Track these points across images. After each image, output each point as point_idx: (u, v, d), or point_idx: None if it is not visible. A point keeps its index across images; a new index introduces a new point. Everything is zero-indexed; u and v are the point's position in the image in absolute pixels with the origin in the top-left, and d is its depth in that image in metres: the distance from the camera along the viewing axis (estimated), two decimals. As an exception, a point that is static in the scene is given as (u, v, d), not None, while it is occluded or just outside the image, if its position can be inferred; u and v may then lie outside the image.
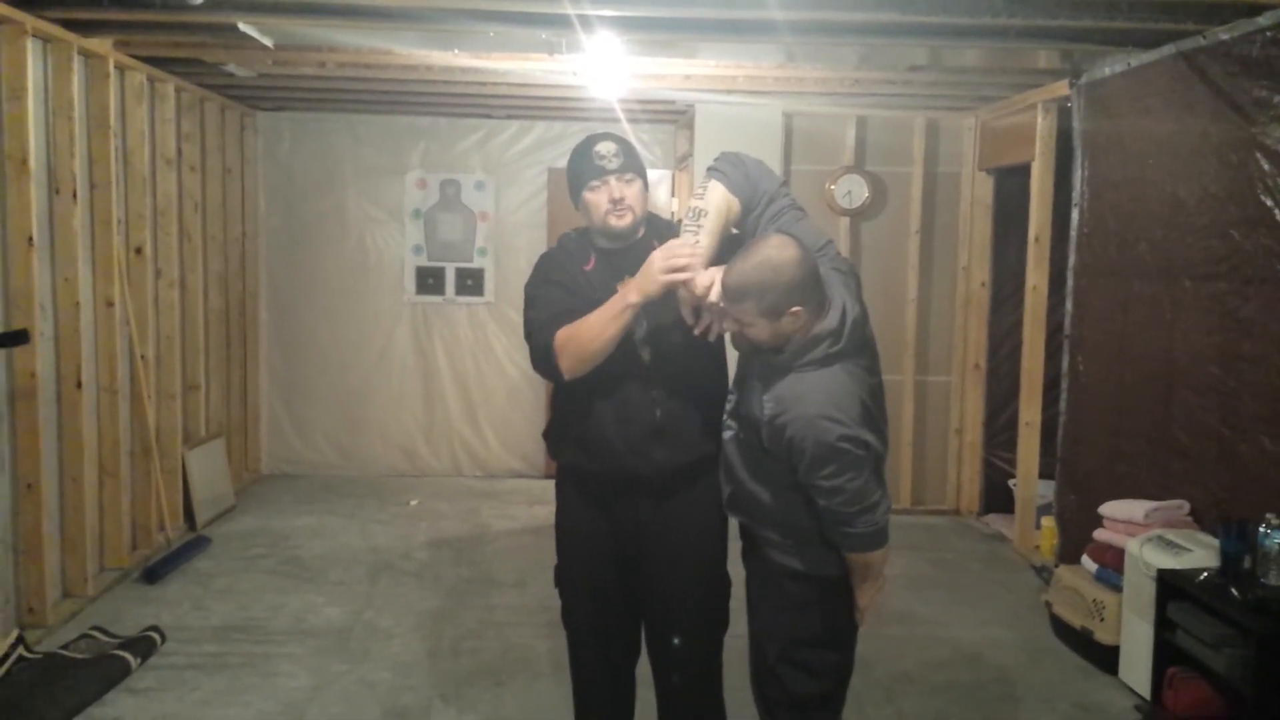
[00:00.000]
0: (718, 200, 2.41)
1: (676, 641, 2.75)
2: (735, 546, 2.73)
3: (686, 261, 2.34)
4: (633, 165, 2.64)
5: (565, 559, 2.86)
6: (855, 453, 2.25)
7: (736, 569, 2.73)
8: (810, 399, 2.26)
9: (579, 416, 2.69)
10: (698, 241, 2.36)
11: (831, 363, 2.29)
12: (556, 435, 2.80)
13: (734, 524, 2.68)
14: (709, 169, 2.49)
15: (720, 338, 2.53)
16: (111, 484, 4.84)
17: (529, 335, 2.67)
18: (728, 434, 2.53)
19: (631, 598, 2.81)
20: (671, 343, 2.59)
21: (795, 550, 2.44)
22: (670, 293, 2.41)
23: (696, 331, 2.44)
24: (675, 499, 2.69)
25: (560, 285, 2.66)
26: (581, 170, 2.64)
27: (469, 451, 7.16)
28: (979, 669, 4.12)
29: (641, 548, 2.73)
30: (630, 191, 2.61)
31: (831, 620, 2.49)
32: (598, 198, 2.61)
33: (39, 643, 4.08)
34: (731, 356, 2.61)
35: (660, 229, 2.70)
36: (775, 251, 2.26)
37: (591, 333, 2.49)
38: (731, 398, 2.54)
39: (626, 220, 2.61)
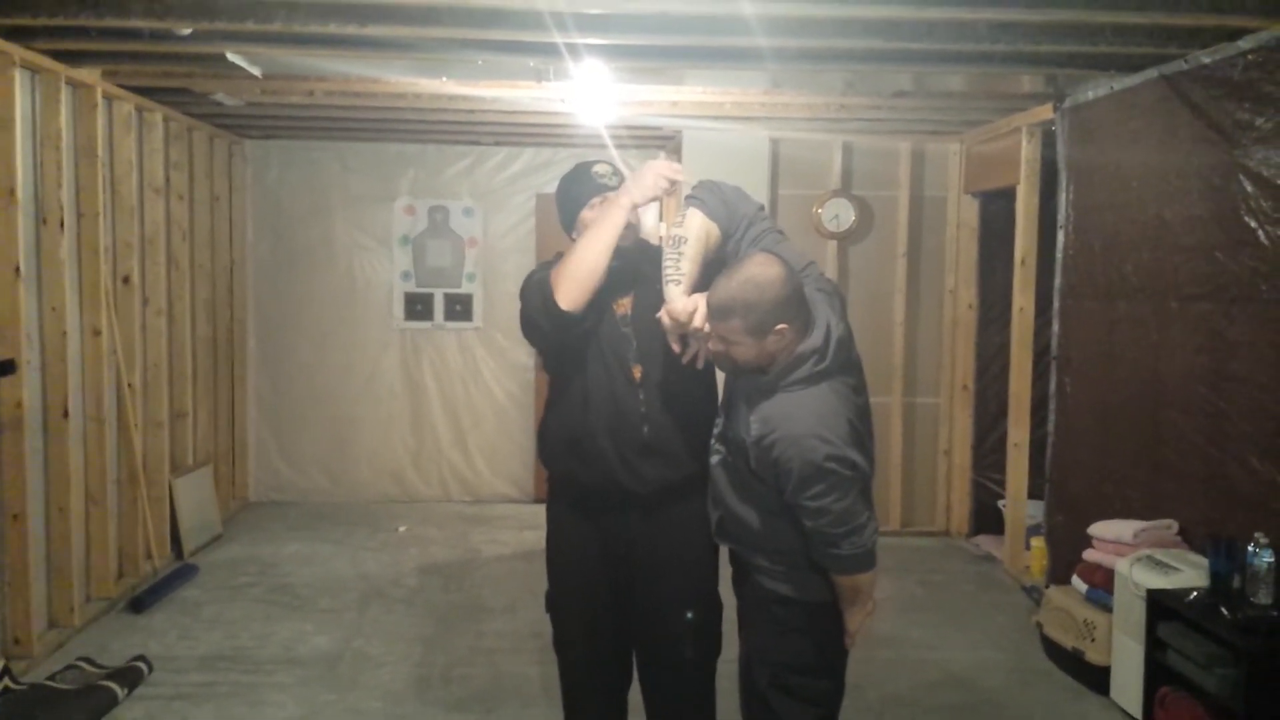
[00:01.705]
0: (697, 227, 2.43)
1: (686, 662, 2.75)
2: (727, 571, 2.73)
3: (675, 175, 2.45)
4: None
5: (557, 584, 2.85)
6: (842, 473, 2.25)
7: (729, 592, 2.73)
8: (797, 418, 2.26)
9: (572, 421, 2.68)
10: (679, 267, 2.38)
11: (818, 381, 2.30)
12: (550, 439, 2.78)
13: (725, 550, 2.68)
14: (687, 197, 2.50)
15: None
16: (98, 513, 4.81)
17: (522, 293, 2.64)
18: (715, 458, 2.53)
19: (624, 623, 2.80)
20: (662, 363, 2.60)
21: (784, 575, 2.44)
22: (655, 309, 2.45)
23: (684, 360, 2.46)
24: (666, 519, 2.68)
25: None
26: (580, 191, 2.67)
27: (458, 477, 7.14)
28: (970, 691, 4.11)
29: (633, 570, 2.73)
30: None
31: (821, 646, 2.48)
32: (594, 216, 2.62)
33: (25, 674, 4.04)
34: (722, 379, 2.62)
35: (652, 255, 2.69)
36: (759, 269, 2.28)
37: (588, 243, 2.50)
38: (719, 421, 2.54)
39: (628, 240, 2.61)
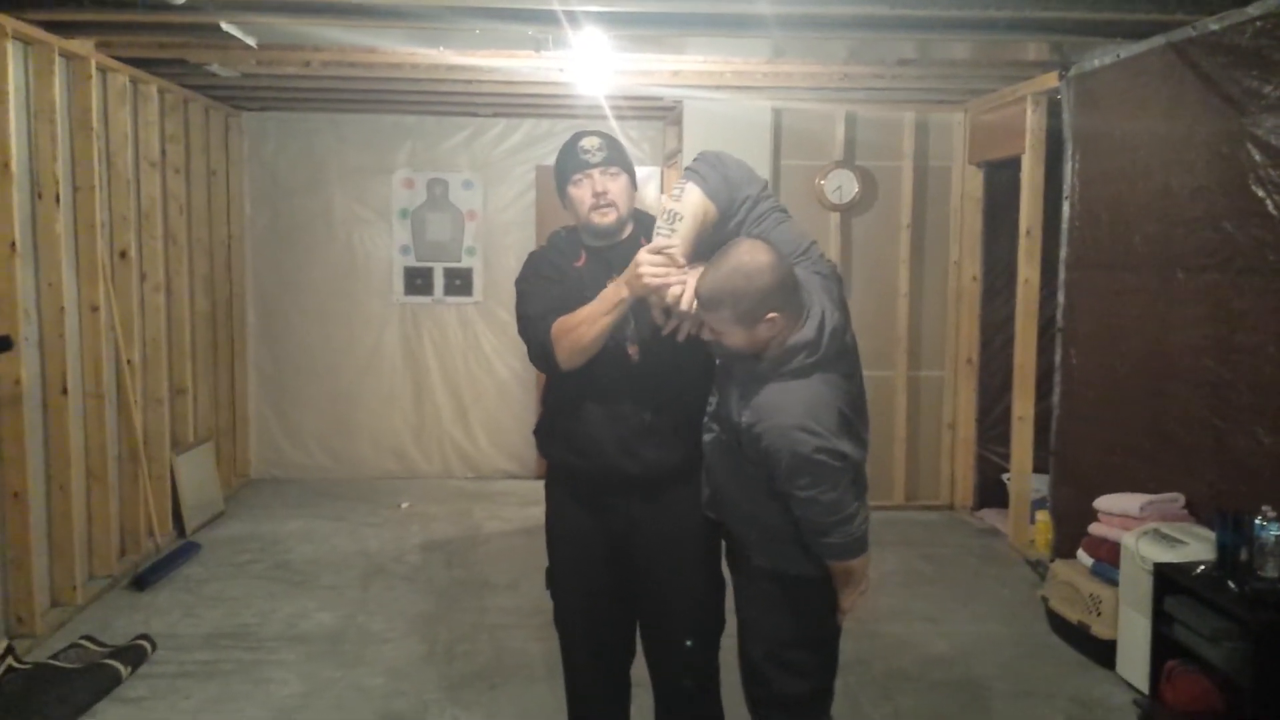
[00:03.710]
0: (694, 204, 2.33)
1: (690, 644, 2.73)
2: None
3: (664, 277, 2.29)
4: (617, 160, 2.61)
5: (557, 561, 2.83)
6: (831, 464, 2.23)
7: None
8: (787, 410, 2.24)
9: (568, 414, 2.67)
10: (672, 248, 2.30)
11: (809, 373, 2.27)
12: (546, 432, 2.77)
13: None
14: (687, 169, 2.42)
15: None
16: (99, 490, 4.80)
17: (523, 330, 2.65)
18: (708, 436, 2.52)
19: (625, 599, 2.78)
20: (660, 342, 2.54)
21: (775, 552, 2.43)
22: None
23: (664, 332, 2.42)
24: (667, 498, 2.66)
25: (552, 280, 2.64)
26: (566, 165, 2.63)
27: (460, 453, 7.12)
28: (976, 665, 4.10)
29: (634, 548, 2.71)
30: (614, 186, 2.58)
31: (814, 620, 2.48)
32: (581, 192, 2.59)
33: (29, 653, 4.04)
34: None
35: (649, 227, 2.63)
36: (748, 257, 2.23)
37: (586, 323, 2.46)
38: (712, 400, 2.52)
39: (610, 218, 2.58)
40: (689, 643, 2.73)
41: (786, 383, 2.26)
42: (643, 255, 2.32)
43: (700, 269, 2.31)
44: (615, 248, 2.62)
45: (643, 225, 2.67)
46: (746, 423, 2.28)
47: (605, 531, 2.72)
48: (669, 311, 2.38)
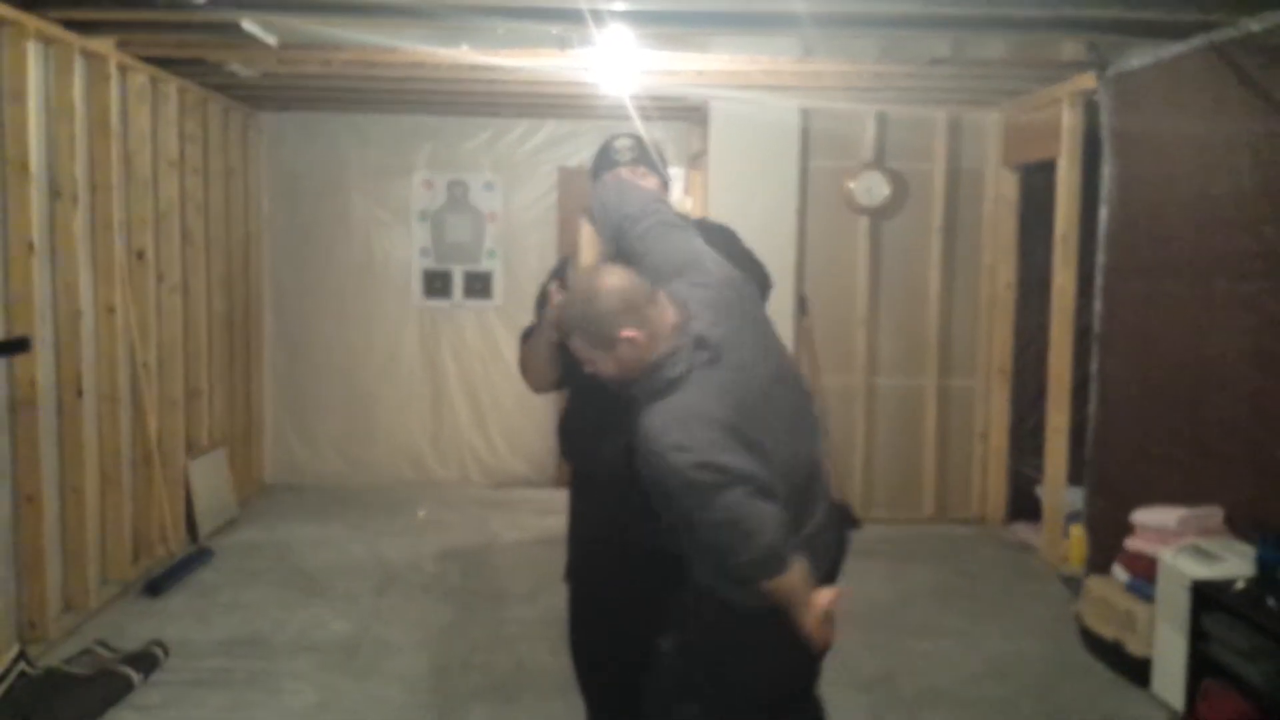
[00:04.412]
0: (585, 236, 2.54)
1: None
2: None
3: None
4: (646, 160, 2.71)
5: (575, 559, 2.91)
6: (712, 479, 2.08)
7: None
8: (658, 433, 2.13)
9: (592, 418, 2.73)
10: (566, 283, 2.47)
11: (679, 386, 2.17)
12: (565, 437, 2.87)
13: None
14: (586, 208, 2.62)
15: None
16: (113, 494, 4.75)
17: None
18: None
19: (636, 604, 2.74)
20: None
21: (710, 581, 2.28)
22: None
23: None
24: None
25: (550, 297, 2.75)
26: (598, 165, 2.73)
27: (478, 460, 7.05)
28: (1008, 683, 4.01)
29: (652, 555, 2.63)
30: (645, 185, 2.64)
31: (723, 662, 2.30)
32: None
33: (41, 657, 3.99)
34: None
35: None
36: (589, 281, 2.29)
37: (529, 356, 2.76)
38: None
39: None
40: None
41: (656, 404, 2.18)
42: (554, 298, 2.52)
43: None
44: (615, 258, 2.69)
45: None
46: (639, 453, 2.18)
47: (624, 536, 2.71)
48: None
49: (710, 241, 2.51)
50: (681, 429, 2.12)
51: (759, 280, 2.77)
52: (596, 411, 2.64)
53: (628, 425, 2.33)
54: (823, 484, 2.36)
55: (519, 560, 5.45)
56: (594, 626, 2.87)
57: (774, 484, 2.15)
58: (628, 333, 2.20)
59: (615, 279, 2.26)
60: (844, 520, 2.48)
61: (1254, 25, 3.71)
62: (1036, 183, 5.87)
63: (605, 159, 2.71)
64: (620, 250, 2.44)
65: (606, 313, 2.21)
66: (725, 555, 2.13)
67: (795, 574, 2.15)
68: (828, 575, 2.34)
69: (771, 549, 2.10)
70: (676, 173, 6.73)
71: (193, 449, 5.69)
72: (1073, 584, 4.86)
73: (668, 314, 2.24)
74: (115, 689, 3.73)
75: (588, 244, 2.47)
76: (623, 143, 2.72)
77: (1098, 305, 4.81)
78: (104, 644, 4.11)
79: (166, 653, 4.07)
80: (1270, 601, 3.25)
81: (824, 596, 2.20)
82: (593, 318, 2.23)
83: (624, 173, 2.64)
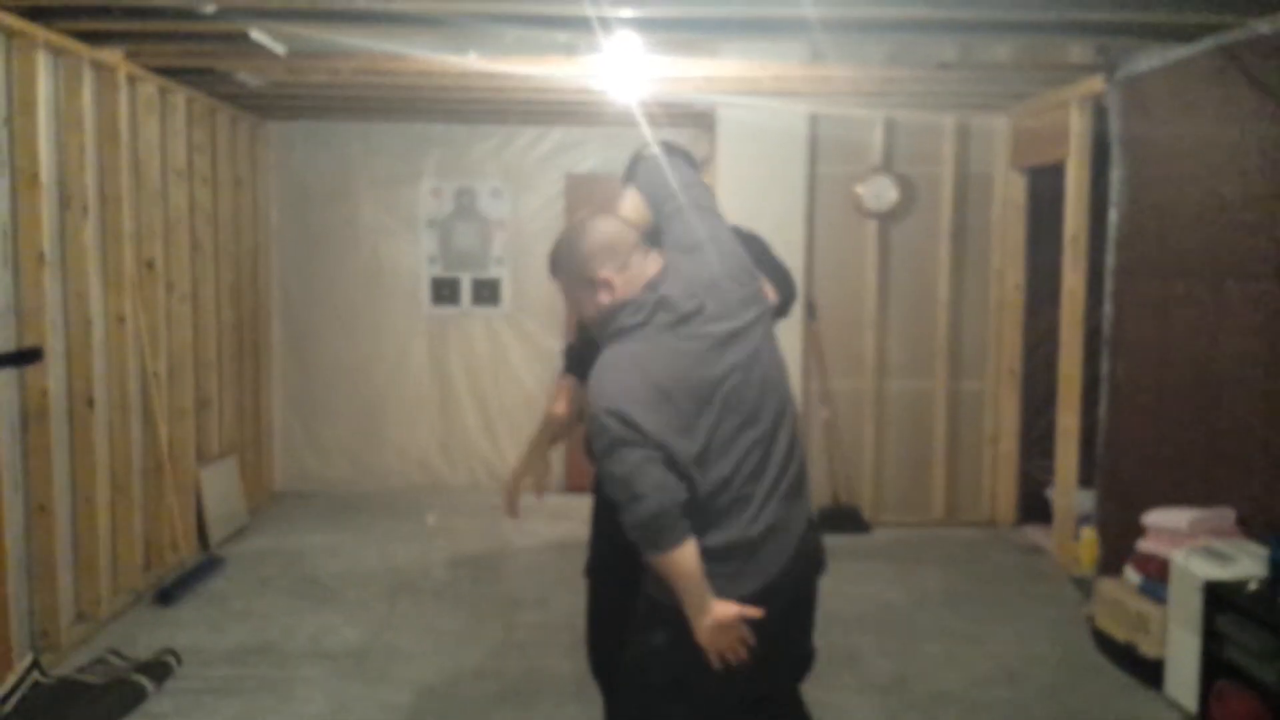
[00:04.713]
0: (628, 204, 2.51)
1: None
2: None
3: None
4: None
5: (595, 551, 2.98)
6: (618, 430, 2.11)
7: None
8: (598, 371, 2.21)
9: None
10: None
11: (632, 334, 2.23)
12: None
13: None
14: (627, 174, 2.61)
15: None
16: (124, 503, 4.75)
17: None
18: None
19: None
20: None
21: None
22: None
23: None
24: None
25: None
26: (627, 174, 2.73)
27: (487, 466, 7.05)
28: (1021, 686, 4.00)
29: None
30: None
31: (676, 662, 2.27)
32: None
33: (54, 666, 4.00)
34: None
35: None
36: (579, 222, 2.36)
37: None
38: None
39: None
40: None
41: (612, 345, 2.25)
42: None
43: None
44: None
45: None
46: None
47: None
48: None
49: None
50: (614, 374, 2.18)
51: (785, 290, 2.83)
52: None
53: None
54: (787, 495, 2.30)
55: (529, 565, 5.45)
56: (611, 623, 2.87)
57: (690, 465, 2.15)
58: (605, 274, 2.26)
59: (604, 223, 2.34)
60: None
61: (1263, 27, 3.70)
62: (1044, 186, 5.87)
63: (634, 159, 2.75)
64: (655, 221, 2.48)
65: (588, 252, 2.28)
66: (619, 512, 2.16)
67: (683, 560, 2.12)
68: (793, 589, 2.32)
69: (653, 521, 2.09)
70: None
71: (203, 457, 5.70)
72: (1084, 586, 4.85)
73: (650, 269, 2.29)
74: (128, 697, 3.74)
75: (631, 209, 2.48)
76: (650, 151, 2.76)
77: (1107, 307, 4.79)
78: (117, 653, 4.12)
79: (179, 661, 4.07)
80: (1284, 602, 3.24)
81: (726, 609, 2.16)
82: (576, 255, 2.30)
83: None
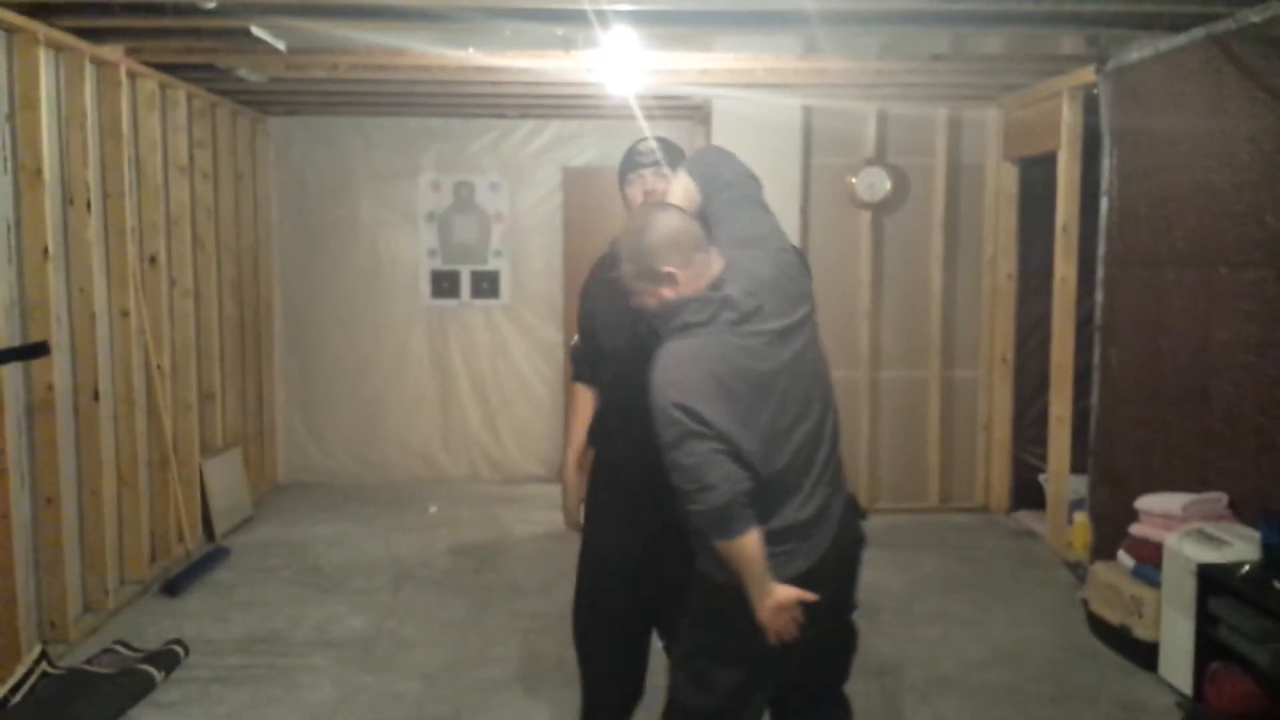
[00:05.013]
0: (679, 187, 2.53)
1: None
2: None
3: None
4: (670, 162, 2.78)
5: (588, 535, 3.01)
6: (687, 424, 2.19)
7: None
8: (663, 365, 2.26)
9: (606, 409, 2.92)
10: None
11: (695, 332, 2.28)
12: (593, 427, 2.98)
13: None
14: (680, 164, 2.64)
15: None
16: (130, 496, 4.80)
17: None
18: None
19: (643, 582, 2.89)
20: None
21: (701, 552, 2.38)
22: None
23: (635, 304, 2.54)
24: None
25: (590, 299, 2.96)
26: (623, 166, 2.86)
27: (487, 457, 7.10)
28: (1016, 669, 4.05)
29: (661, 536, 2.77)
30: (663, 185, 2.72)
31: (728, 633, 2.38)
32: (634, 191, 2.81)
33: (62, 658, 4.04)
34: None
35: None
36: (645, 215, 2.37)
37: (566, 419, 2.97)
38: None
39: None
40: None
41: (674, 339, 2.30)
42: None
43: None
44: None
45: None
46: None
47: (633, 516, 2.86)
48: None
49: None
50: (679, 368, 2.24)
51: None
52: (622, 404, 2.75)
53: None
54: (830, 482, 2.42)
55: (531, 554, 5.49)
56: (598, 600, 2.99)
57: (752, 458, 2.23)
58: (670, 269, 2.30)
59: (670, 217, 2.35)
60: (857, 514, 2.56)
61: (1253, 16, 3.71)
62: (1036, 176, 5.90)
63: (629, 161, 2.83)
64: (704, 210, 2.51)
65: (656, 246, 2.30)
66: (685, 502, 2.23)
67: (746, 546, 2.22)
68: (835, 567, 2.43)
69: (722, 511, 2.18)
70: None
71: (207, 450, 5.74)
72: (1078, 570, 4.90)
73: (714, 266, 2.33)
74: (137, 687, 3.77)
75: (681, 195, 2.50)
76: (646, 145, 2.82)
77: (1099, 295, 4.83)
78: (124, 644, 4.16)
79: (186, 651, 4.11)
80: (1276, 585, 3.27)
81: (786, 591, 2.27)
82: (643, 249, 2.32)
83: (648, 175, 2.77)
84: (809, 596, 2.29)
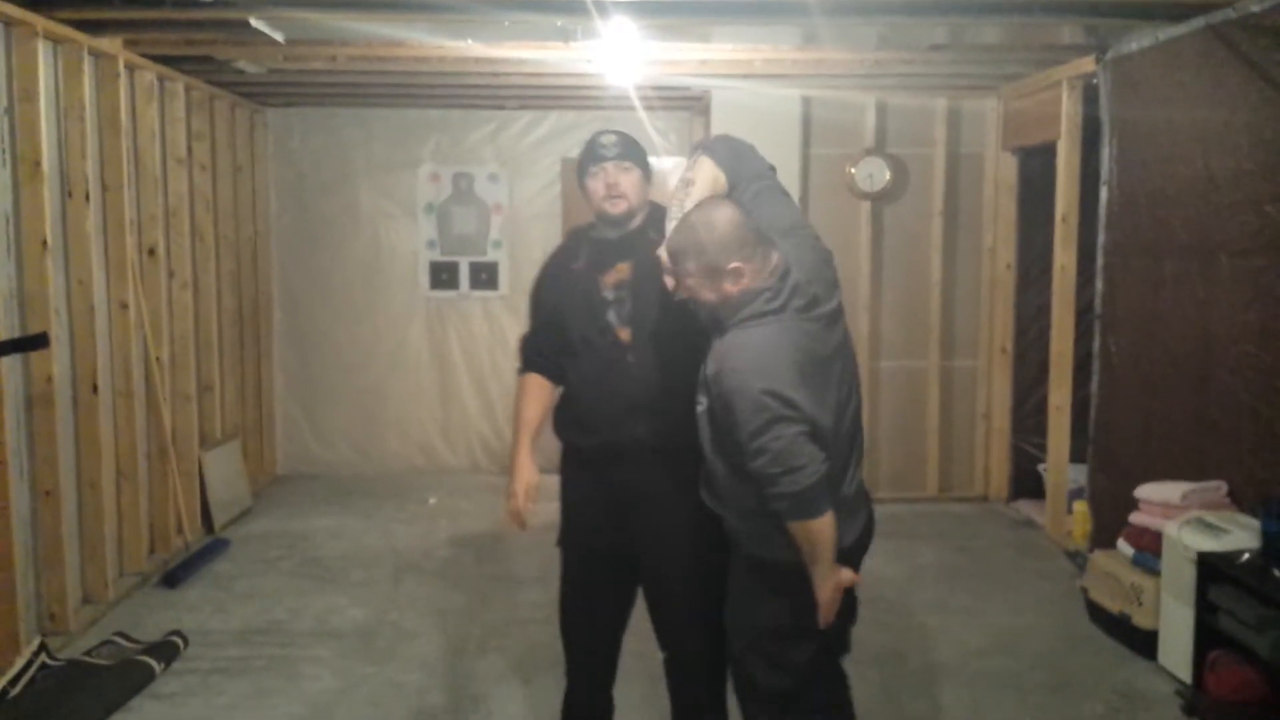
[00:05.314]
0: (706, 173, 2.50)
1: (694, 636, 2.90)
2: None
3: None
4: (631, 155, 2.81)
5: (565, 523, 3.08)
6: (777, 409, 2.24)
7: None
8: (741, 352, 2.31)
9: (572, 397, 2.94)
10: (684, 206, 2.45)
11: (768, 320, 2.33)
12: (558, 416, 3.02)
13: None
14: (698, 146, 2.61)
15: None
16: (129, 488, 4.80)
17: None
18: (699, 408, 2.53)
19: (623, 562, 2.95)
20: (653, 322, 2.76)
21: (753, 536, 2.46)
22: (655, 274, 2.57)
23: (677, 299, 2.52)
24: (661, 469, 2.79)
25: (549, 291, 2.96)
26: (584, 159, 2.85)
27: (486, 447, 7.10)
28: (1016, 657, 4.05)
29: (633, 517, 2.88)
30: (626, 179, 2.79)
31: (793, 611, 2.43)
32: (595, 184, 2.81)
33: (62, 650, 4.04)
34: None
35: (660, 218, 2.80)
36: (708, 210, 2.36)
37: (515, 409, 3.08)
38: (702, 370, 2.55)
39: (620, 207, 2.79)
40: (689, 612, 2.87)
41: (743, 330, 2.34)
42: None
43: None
44: (620, 241, 2.83)
45: (654, 219, 2.82)
46: (711, 372, 2.35)
47: (607, 499, 2.91)
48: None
49: None
50: (762, 356, 2.29)
51: None
52: (593, 391, 2.84)
53: (657, 407, 2.67)
54: (860, 462, 2.54)
55: (530, 545, 5.45)
56: (578, 583, 3.06)
57: (826, 438, 2.32)
58: (736, 264, 2.31)
59: (732, 212, 2.36)
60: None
61: (1252, 6, 3.71)
62: (1036, 166, 5.90)
63: (592, 154, 2.81)
64: (730, 196, 2.52)
65: (721, 241, 2.31)
66: (767, 485, 2.28)
67: (825, 526, 2.30)
68: (864, 543, 2.55)
69: (809, 491, 2.25)
70: (680, 161, 6.77)
71: (206, 442, 5.74)
72: (1077, 559, 4.91)
73: (774, 257, 2.37)
74: (137, 678, 3.78)
75: (710, 183, 2.49)
76: (608, 138, 2.82)
77: (1099, 284, 4.83)
78: (124, 635, 4.16)
79: (186, 642, 4.12)
80: (1276, 572, 3.28)
81: (846, 572, 2.38)
82: (709, 244, 2.32)
83: (610, 168, 2.77)
84: (857, 577, 2.43)
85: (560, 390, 3.02)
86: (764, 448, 2.25)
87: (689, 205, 2.43)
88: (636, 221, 2.83)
